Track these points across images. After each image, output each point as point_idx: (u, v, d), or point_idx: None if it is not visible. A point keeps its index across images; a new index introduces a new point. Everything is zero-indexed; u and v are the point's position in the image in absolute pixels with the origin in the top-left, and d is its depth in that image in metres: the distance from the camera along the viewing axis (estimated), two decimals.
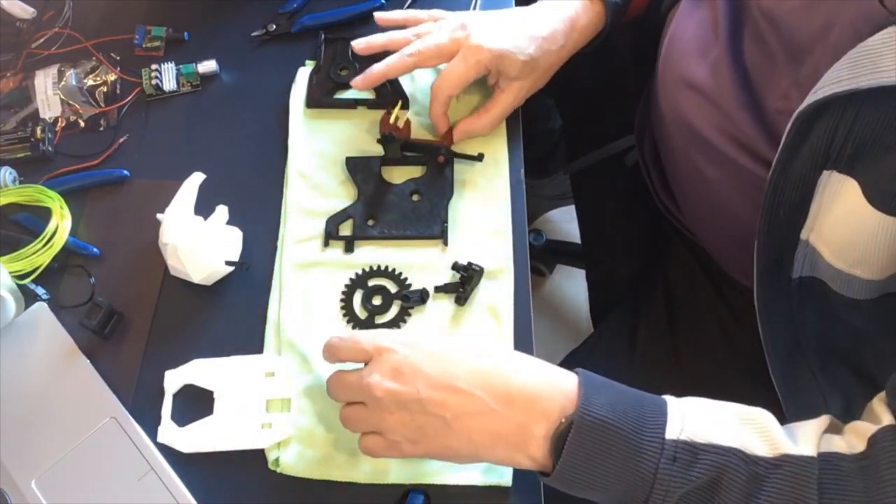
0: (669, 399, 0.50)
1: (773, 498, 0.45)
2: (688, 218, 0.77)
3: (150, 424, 0.60)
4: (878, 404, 0.49)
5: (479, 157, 0.70)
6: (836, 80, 0.46)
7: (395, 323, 0.64)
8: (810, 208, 0.52)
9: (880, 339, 0.59)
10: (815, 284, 0.57)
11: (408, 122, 0.70)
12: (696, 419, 0.48)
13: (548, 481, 0.50)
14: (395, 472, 0.57)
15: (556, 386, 0.51)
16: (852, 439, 0.47)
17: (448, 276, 0.65)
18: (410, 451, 0.53)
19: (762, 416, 0.49)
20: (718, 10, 0.62)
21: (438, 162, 0.70)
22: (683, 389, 0.51)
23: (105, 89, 0.77)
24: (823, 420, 0.49)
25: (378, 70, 0.69)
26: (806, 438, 0.47)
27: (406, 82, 0.74)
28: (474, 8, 0.79)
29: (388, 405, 0.52)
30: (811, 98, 0.47)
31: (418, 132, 0.72)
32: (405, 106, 0.72)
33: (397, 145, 0.69)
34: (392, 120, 0.69)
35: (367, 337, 0.55)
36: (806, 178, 0.51)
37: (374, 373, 0.52)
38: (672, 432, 0.47)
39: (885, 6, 0.46)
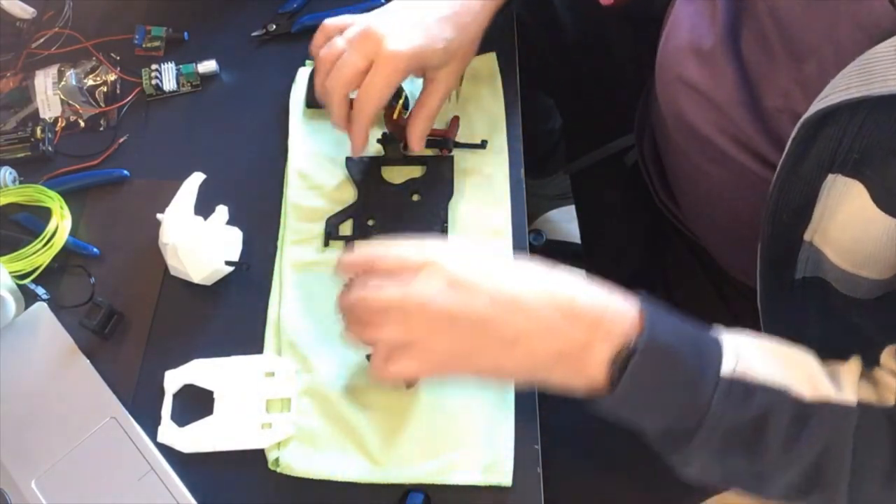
0: (723, 332, 0.49)
1: (812, 440, 0.46)
2: (688, 217, 0.77)
3: (150, 424, 0.60)
4: (891, 361, 0.49)
5: (483, 145, 0.70)
6: (846, 86, 0.45)
7: None
8: (814, 210, 0.52)
9: (881, 337, 0.58)
10: (818, 284, 0.56)
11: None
12: (749, 356, 0.48)
13: (602, 403, 0.48)
14: (395, 472, 0.57)
15: (619, 306, 0.49)
16: (883, 392, 0.48)
17: None
18: (455, 369, 0.50)
19: (807, 358, 0.50)
20: (717, 5, 0.62)
21: (442, 155, 0.70)
22: None
23: (105, 89, 0.77)
24: (857, 363, 0.50)
25: (335, 123, 0.65)
26: (847, 383, 0.48)
27: (405, 82, 0.74)
28: None
29: (441, 323, 0.48)
30: (818, 105, 0.47)
31: None
32: (406, 103, 0.72)
33: (397, 145, 0.69)
34: (395, 115, 0.69)
35: (412, 251, 0.50)
36: (811, 181, 0.50)
37: (426, 287, 0.48)
38: (727, 367, 0.47)
39: (894, 5, 0.45)
